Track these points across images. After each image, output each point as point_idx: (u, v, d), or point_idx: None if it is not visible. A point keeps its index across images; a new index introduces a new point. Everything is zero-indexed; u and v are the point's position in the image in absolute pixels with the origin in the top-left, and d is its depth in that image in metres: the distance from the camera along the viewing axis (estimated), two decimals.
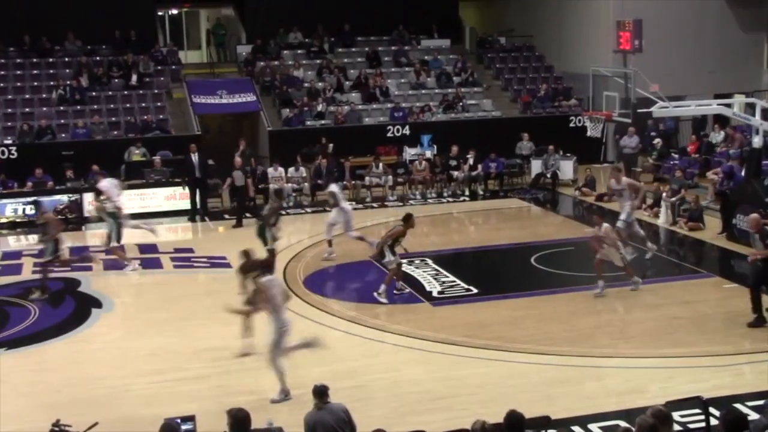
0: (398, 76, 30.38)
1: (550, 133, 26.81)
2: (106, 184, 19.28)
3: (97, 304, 15.95)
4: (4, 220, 22.37)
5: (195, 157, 22.90)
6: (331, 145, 25.75)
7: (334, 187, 19.02)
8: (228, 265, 18.07)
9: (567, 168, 26.19)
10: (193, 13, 34.42)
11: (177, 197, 23.41)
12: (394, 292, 15.90)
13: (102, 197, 18.97)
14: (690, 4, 28.60)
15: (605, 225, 15.79)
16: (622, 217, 17.56)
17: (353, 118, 27.68)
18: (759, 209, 17.16)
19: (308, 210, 23.74)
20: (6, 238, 21.68)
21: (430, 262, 18.05)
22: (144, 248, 19.98)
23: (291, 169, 24.64)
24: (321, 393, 8.76)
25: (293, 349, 11.62)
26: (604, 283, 15.52)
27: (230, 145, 25.76)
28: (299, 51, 30.91)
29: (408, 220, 15.95)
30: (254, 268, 13.07)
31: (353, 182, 25.33)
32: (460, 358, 12.96)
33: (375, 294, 15.56)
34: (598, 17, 29.32)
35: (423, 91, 29.63)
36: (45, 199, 20.60)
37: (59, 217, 21.00)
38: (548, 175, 25.90)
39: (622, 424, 9.23)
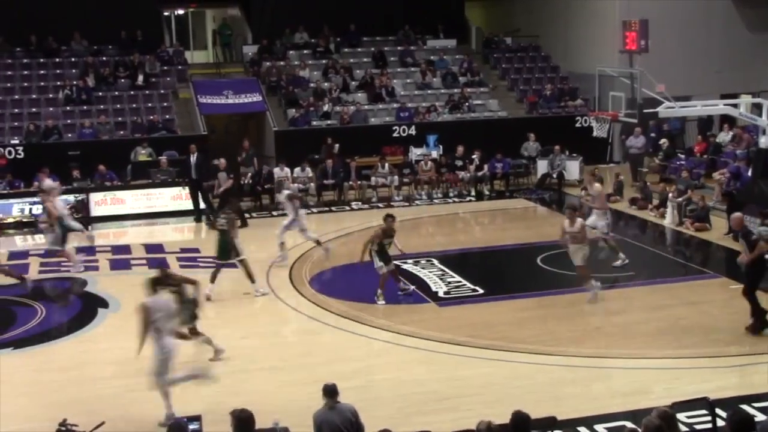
0: (404, 76, 30.38)
1: (556, 134, 26.80)
2: (51, 184, 19.32)
3: (104, 304, 15.99)
4: (10, 220, 22.42)
5: (193, 158, 22.95)
6: (337, 145, 25.76)
7: (287, 193, 18.91)
8: (234, 265, 18.08)
9: (573, 168, 26.16)
10: (199, 13, 34.44)
11: (183, 197, 23.42)
12: (399, 293, 15.89)
13: (47, 197, 18.81)
14: (696, 4, 28.56)
15: (579, 220, 15.45)
16: (601, 228, 17.44)
17: (359, 118, 27.68)
18: (765, 210, 17.20)
19: (314, 210, 23.74)
20: (13, 237, 21.74)
21: (435, 262, 18.05)
22: (150, 248, 20.02)
23: (297, 170, 24.66)
24: (331, 392, 8.76)
25: (178, 379, 11.09)
26: (599, 283, 15.39)
27: (237, 145, 25.83)
28: (305, 51, 30.93)
29: (385, 220, 15.81)
30: (165, 284, 12.27)
31: (359, 182, 25.34)
32: (466, 358, 12.97)
33: (375, 298, 15.56)
34: (604, 17, 29.29)
35: (429, 92, 29.62)
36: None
37: None
38: (554, 176, 25.88)
39: (629, 425, 9.25)
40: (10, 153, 24.36)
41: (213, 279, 16.07)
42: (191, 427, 9.05)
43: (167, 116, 26.91)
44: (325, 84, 29.02)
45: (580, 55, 30.08)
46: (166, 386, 10.84)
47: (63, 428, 8.68)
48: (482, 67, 31.51)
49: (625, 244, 19.73)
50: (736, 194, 20.40)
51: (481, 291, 16.12)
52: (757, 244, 13.53)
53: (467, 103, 28.76)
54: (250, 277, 16.09)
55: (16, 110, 26.49)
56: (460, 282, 16.67)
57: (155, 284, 11.43)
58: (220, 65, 31.33)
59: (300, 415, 9.23)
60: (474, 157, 25.69)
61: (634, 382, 11.88)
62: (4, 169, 23.73)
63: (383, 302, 15.47)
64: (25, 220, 22.52)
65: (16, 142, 24.94)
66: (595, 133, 23.30)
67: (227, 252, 16.18)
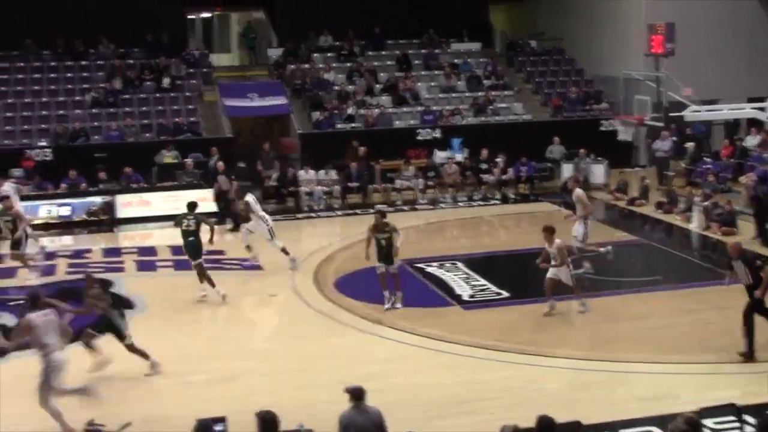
0: (428, 79, 30.38)
1: (580, 137, 26.71)
2: (8, 188, 19.41)
3: (130, 305, 16.06)
4: (38, 222, 22.61)
5: (213, 161, 23.08)
6: (364, 148, 25.73)
7: (249, 197, 18.73)
8: (259, 267, 18.18)
9: (598, 172, 26.04)
10: (224, 16, 34.66)
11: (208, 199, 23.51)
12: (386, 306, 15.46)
13: (4, 201, 18.91)
14: (723, 6, 28.38)
15: (557, 241, 14.82)
16: (578, 235, 17.15)
17: (383, 121, 27.72)
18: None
19: (339, 213, 23.78)
20: (41, 239, 21.92)
21: (460, 265, 18.02)
22: (176, 250, 20.08)
23: (321, 172, 24.72)
24: (358, 395, 8.76)
25: (67, 392, 10.78)
26: (555, 303, 14.94)
27: (261, 148, 25.94)
28: (329, 54, 30.99)
29: (374, 216, 15.59)
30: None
31: (383, 185, 25.37)
32: (489, 361, 12.94)
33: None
34: (629, 20, 29.15)
35: (453, 95, 29.60)
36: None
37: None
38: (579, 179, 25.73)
39: (655, 430, 9.19)
40: (38, 155, 24.56)
41: (203, 280, 16.14)
42: (216, 428, 9.07)
43: (192, 119, 27.07)
44: (350, 87, 29.08)
45: (604, 59, 29.96)
46: (53, 402, 10.54)
47: (90, 428, 8.76)
48: (506, 70, 31.46)
49: (651, 249, 19.68)
50: (764, 198, 20.22)
51: (506, 294, 16.09)
52: (762, 271, 12.96)
53: (492, 107, 28.72)
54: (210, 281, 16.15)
55: (45, 112, 26.71)
56: (484, 285, 16.64)
57: (34, 303, 11.01)
58: (245, 68, 31.47)
59: (323, 417, 9.24)
60: (498, 160, 25.65)
61: (659, 387, 11.80)
62: (32, 171, 23.95)
63: (399, 306, 15.30)
64: (52, 221, 22.69)
65: (45, 144, 25.15)
66: (620, 137, 23.20)
67: (198, 251, 16.29)
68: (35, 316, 10.70)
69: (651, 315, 14.93)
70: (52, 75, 28.27)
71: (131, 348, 12.44)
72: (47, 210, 22.81)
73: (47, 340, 10.58)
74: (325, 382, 11.71)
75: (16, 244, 18.15)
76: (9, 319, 15.26)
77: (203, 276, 16.25)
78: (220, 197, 22.67)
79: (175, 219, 17.22)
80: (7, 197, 19.18)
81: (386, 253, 15.19)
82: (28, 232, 18.54)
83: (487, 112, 28.59)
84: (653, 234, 21.02)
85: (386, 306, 15.26)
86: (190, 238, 16.23)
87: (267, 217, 18.51)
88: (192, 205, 16.57)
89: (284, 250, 18.19)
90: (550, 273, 14.83)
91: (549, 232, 14.82)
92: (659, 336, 13.85)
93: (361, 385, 8.63)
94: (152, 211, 23.29)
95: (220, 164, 23.07)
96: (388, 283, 15.39)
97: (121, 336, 12.43)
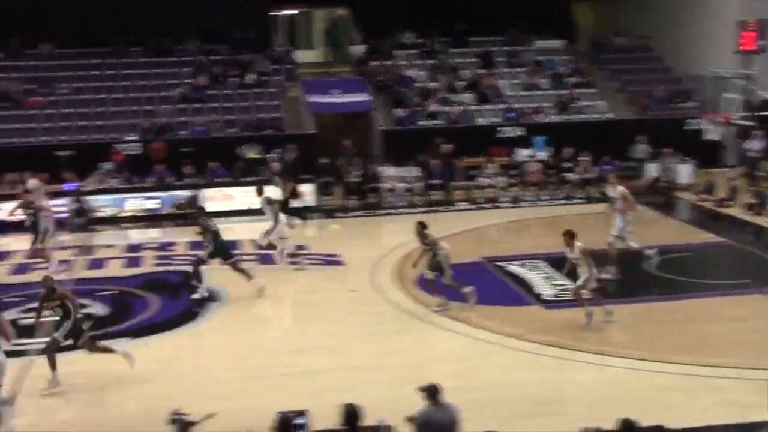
0: (511, 76, 30.14)
1: (666, 136, 26.20)
2: (33, 184, 19.75)
3: (214, 298, 16.33)
4: (126, 214, 23.18)
5: (288, 156, 23.41)
6: (449, 146, 25.65)
7: (268, 194, 18.90)
8: (341, 263, 18.32)
9: (684, 172, 25.50)
10: (308, 13, 34.90)
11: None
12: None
13: (28, 197, 19.24)
14: None
15: (578, 245, 14.31)
16: (615, 230, 16.92)
17: (465, 118, 27.62)
18: None
19: (420, 210, 23.79)
20: (126, 231, 22.47)
21: (542, 264, 17.84)
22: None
23: (403, 169, 24.75)
24: (434, 392, 8.76)
25: None
26: (599, 308, 14.39)
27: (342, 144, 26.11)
28: (412, 51, 31.00)
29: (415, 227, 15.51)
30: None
31: (465, 183, 25.29)
32: (569, 362, 12.80)
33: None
34: (718, 17, 28.44)
35: (536, 92, 29.33)
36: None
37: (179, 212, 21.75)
38: (664, 179, 25.29)
39: None
40: (128, 149, 25.13)
41: (247, 276, 16.39)
42: (297, 421, 9.15)
43: (275, 115, 27.37)
44: (432, 84, 29.05)
45: (692, 56, 29.29)
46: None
47: (176, 417, 8.88)
48: (590, 68, 31.03)
49: (740, 251, 19.20)
50: None
51: (587, 295, 15.84)
52: None
53: (575, 105, 28.37)
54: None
55: (134, 108, 27.30)
56: (566, 285, 16.42)
57: None
58: (329, 65, 31.69)
59: (402, 413, 9.23)
60: (582, 159, 25.33)
61: (748, 393, 11.45)
62: (120, 164, 24.53)
63: (448, 309, 15.16)
64: (140, 214, 23.24)
65: (134, 138, 25.72)
66: (707, 136, 22.69)
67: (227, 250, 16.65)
68: None
69: (741, 318, 14.54)
70: (141, 71, 28.87)
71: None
72: (135, 203, 23.35)
73: None
74: (405, 378, 11.71)
75: (39, 238, 18.51)
76: (99, 309, 15.66)
77: (240, 270, 16.50)
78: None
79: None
80: (28, 192, 19.67)
81: (434, 262, 15.11)
82: (50, 228, 18.87)
83: (571, 110, 28.25)
84: (742, 236, 20.49)
85: (436, 309, 15.14)
86: (219, 239, 16.55)
87: (282, 216, 18.61)
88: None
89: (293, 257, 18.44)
90: (579, 281, 14.33)
91: (569, 236, 14.30)
92: (748, 340, 13.49)
93: (438, 382, 8.63)
94: (235, 205, 23.64)
95: (275, 165, 23.31)
96: (445, 291, 15.28)
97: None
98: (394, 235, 21.67)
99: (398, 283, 17.01)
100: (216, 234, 16.43)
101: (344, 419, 8.12)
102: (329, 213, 24.06)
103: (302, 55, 32.89)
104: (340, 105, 27.84)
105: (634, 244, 17.33)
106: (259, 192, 18.89)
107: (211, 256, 16.48)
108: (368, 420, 8.61)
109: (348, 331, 14.37)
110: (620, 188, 17.37)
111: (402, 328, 14.63)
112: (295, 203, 22.59)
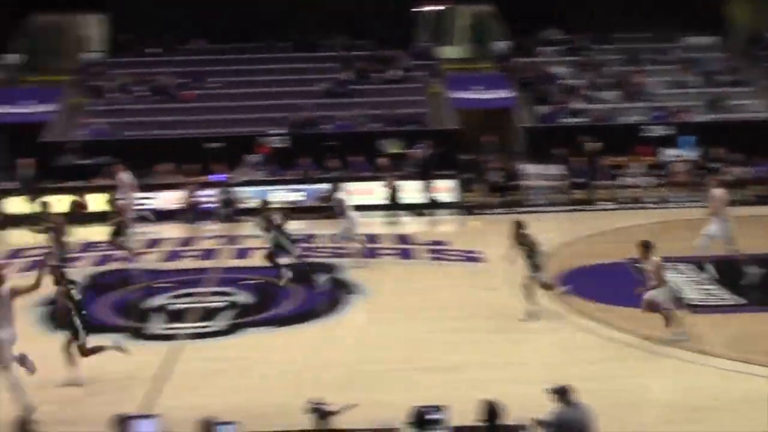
0: (658, 74, 29.30)
1: None
2: (126, 177, 20.06)
3: (354, 290, 16.55)
4: (272, 207, 23.76)
5: (423, 152, 23.43)
6: (596, 144, 25.20)
7: (340, 195, 18.77)
8: (481, 260, 18.25)
9: None
10: (452, 10, 34.91)
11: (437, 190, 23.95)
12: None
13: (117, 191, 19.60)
14: None
15: (653, 258, 13.27)
16: (707, 233, 16.29)
17: (609, 116, 27.04)
18: None
19: (563, 209, 23.42)
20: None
21: (690, 267, 17.25)
22: (399, 239, 20.55)
23: (545, 167, 24.46)
24: (564, 392, 8.64)
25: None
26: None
27: (485, 140, 26.00)
28: (557, 48, 30.56)
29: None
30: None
31: (609, 182, 24.77)
32: (718, 370, 12.30)
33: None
34: None
35: (685, 91, 28.41)
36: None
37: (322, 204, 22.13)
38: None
39: None
40: (277, 142, 25.74)
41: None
42: (433, 416, 9.18)
43: (418, 110, 27.51)
44: (575, 81, 28.56)
45: None
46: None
47: (315, 406, 8.99)
48: (745, 66, 29.82)
49: None
50: None
51: (742, 301, 15.27)
52: None
53: (728, 104, 27.32)
54: None
55: (279, 102, 27.93)
56: (717, 289, 15.87)
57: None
58: (472, 60, 31.61)
59: (538, 413, 9.13)
60: (735, 160, 24.39)
61: None
62: (268, 157, 25.17)
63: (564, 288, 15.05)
64: (285, 206, 23.74)
65: (281, 132, 26.31)
66: None
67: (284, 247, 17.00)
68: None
69: None
70: (288, 66, 29.51)
71: (83, 350, 12.05)
72: (282, 195, 23.87)
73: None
74: (542, 378, 11.52)
75: (118, 233, 18.91)
76: (243, 298, 16.10)
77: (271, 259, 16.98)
78: None
79: None
80: (118, 187, 20.28)
81: (532, 263, 14.76)
82: (128, 224, 19.37)
83: (723, 110, 27.22)
84: None
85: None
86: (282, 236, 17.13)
87: (354, 215, 18.52)
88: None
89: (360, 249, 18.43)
90: (648, 294, 13.36)
91: (645, 248, 13.38)
92: None
93: (573, 384, 8.49)
94: (375, 199, 23.87)
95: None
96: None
97: (76, 337, 12.09)
98: (535, 234, 21.44)
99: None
100: None
101: (484, 416, 8.10)
102: (470, 209, 24.00)
103: (446, 51, 32.96)
104: (483, 101, 27.75)
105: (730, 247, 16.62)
106: (334, 191, 19.36)
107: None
108: (509, 418, 8.56)
109: (487, 328, 14.29)
110: (718, 191, 17.01)
111: (541, 327, 14.40)
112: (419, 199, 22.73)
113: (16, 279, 12.92)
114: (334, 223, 19.55)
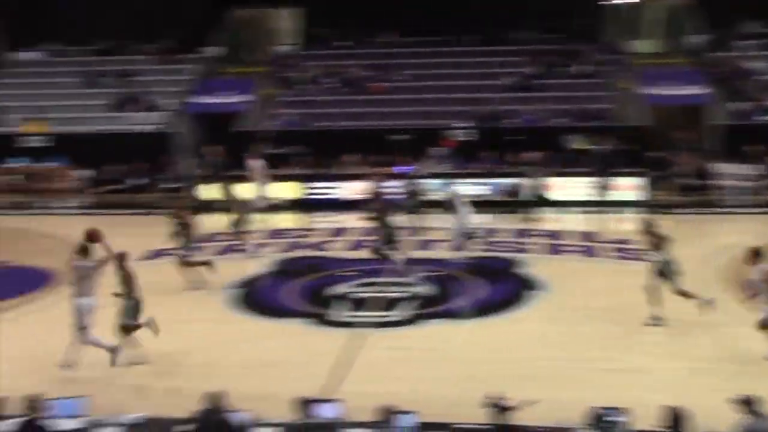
0: None
1: None
2: (255, 164, 20.03)
3: (535, 286, 16.44)
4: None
5: (604, 148, 22.91)
6: None
7: (454, 190, 18.38)
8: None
9: None
10: (643, 3, 33.98)
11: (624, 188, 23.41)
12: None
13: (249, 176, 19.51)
14: None
15: (762, 266, 12.17)
16: None
17: None
18: None
19: (761, 210, 22.36)
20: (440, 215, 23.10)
21: None
22: (584, 236, 20.26)
23: (743, 166, 23.42)
24: (749, 403, 8.31)
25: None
26: None
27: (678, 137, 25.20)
28: (755, 41, 29.13)
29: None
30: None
31: None
32: None
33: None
34: None
35: None
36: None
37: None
38: None
39: None
40: (465, 135, 25.84)
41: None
42: (612, 418, 9.04)
43: (606, 105, 26.94)
44: None
45: None
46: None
47: (494, 400, 9.01)
48: None
49: None
50: None
51: None
52: None
53: None
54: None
55: (465, 95, 27.98)
56: None
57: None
58: (664, 55, 30.62)
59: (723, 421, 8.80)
60: None
61: None
62: (453, 150, 25.34)
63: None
64: (471, 200, 23.82)
65: (467, 125, 26.37)
66: None
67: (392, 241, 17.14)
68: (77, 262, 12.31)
69: None
70: (476, 59, 29.56)
71: (124, 329, 12.59)
72: (467, 188, 23.88)
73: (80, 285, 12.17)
74: (728, 387, 11.08)
75: (238, 223, 19.44)
76: (426, 289, 16.27)
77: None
78: None
79: None
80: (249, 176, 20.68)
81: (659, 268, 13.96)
82: (249, 213, 19.72)
83: None
84: None
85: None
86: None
87: (465, 211, 18.01)
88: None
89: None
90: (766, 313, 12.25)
91: (753, 254, 12.19)
92: None
93: (749, 394, 8.16)
94: (560, 195, 23.57)
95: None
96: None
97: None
98: (726, 236, 20.63)
99: (723, 283, 16.14)
100: None
101: (669, 422, 7.90)
102: (659, 208, 23.26)
103: (637, 45, 32.13)
104: (675, 97, 26.84)
105: None
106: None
107: None
108: (693, 427, 8.32)
109: (670, 330, 13.84)
110: None
111: (736, 332, 13.73)
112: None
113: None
114: (514, 218, 19.46)
